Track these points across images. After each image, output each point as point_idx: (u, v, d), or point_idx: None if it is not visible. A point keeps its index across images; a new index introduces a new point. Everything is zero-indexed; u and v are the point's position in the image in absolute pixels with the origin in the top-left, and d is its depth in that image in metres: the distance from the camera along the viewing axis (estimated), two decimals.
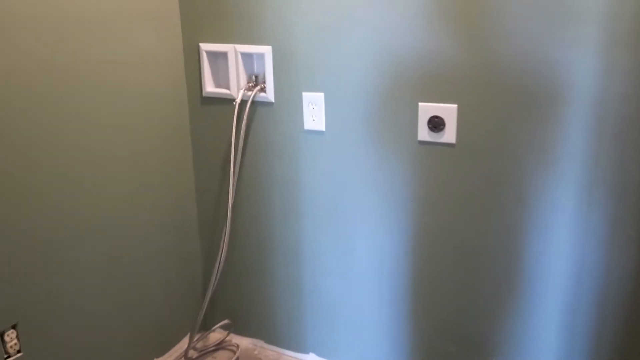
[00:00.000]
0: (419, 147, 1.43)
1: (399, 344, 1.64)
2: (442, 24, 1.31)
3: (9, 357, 1.29)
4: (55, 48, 1.28)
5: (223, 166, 1.72)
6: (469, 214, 1.43)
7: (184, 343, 1.84)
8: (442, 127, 1.38)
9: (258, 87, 1.58)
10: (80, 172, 1.39)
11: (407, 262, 1.54)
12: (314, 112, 1.53)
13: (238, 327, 1.89)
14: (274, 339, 1.85)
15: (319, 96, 1.51)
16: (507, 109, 1.31)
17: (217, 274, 1.70)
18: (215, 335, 1.91)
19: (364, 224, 1.57)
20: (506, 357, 1.50)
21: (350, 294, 1.66)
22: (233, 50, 1.58)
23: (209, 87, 1.66)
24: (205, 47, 1.62)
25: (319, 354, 1.78)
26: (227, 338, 1.90)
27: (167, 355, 1.79)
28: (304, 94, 1.53)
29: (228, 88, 1.64)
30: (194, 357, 1.84)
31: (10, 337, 1.28)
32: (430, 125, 1.40)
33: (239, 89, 1.61)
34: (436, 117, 1.38)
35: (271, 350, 1.86)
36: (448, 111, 1.37)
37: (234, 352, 1.85)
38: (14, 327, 1.28)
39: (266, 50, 1.54)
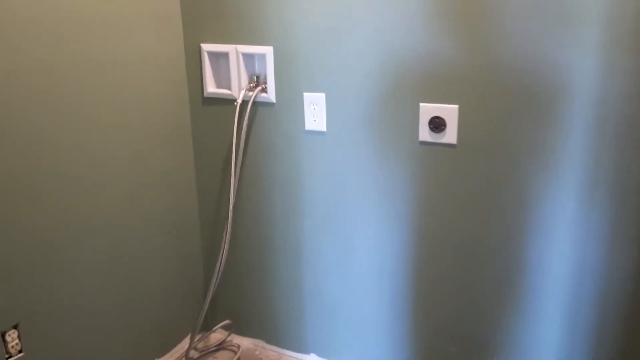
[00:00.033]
0: (419, 147, 1.43)
1: (399, 344, 1.64)
2: (442, 24, 1.31)
3: (10, 357, 1.29)
4: (55, 48, 1.28)
5: (224, 166, 1.72)
6: (469, 215, 1.42)
7: (184, 343, 1.84)
8: (443, 127, 1.38)
9: (259, 88, 1.58)
10: (81, 172, 1.39)
11: (407, 262, 1.54)
12: (315, 113, 1.53)
13: (239, 327, 1.89)
14: (275, 339, 1.85)
15: (320, 96, 1.51)
16: (508, 109, 1.31)
17: (218, 274, 1.70)
18: (216, 335, 1.91)
19: (364, 224, 1.57)
20: (507, 357, 1.50)
21: (351, 294, 1.66)
22: (234, 50, 1.58)
23: (210, 88, 1.66)
24: (206, 47, 1.62)
25: (319, 354, 1.78)
26: (228, 338, 1.90)
27: (168, 355, 1.79)
28: (305, 94, 1.53)
29: (229, 88, 1.64)
30: (195, 357, 1.84)
31: (12, 337, 1.28)
32: (431, 126, 1.39)
33: (240, 89, 1.61)
34: (437, 117, 1.38)
35: (272, 350, 1.86)
36: (449, 111, 1.37)
37: (235, 353, 1.85)
38: (15, 327, 1.29)
39: (267, 50, 1.54)
